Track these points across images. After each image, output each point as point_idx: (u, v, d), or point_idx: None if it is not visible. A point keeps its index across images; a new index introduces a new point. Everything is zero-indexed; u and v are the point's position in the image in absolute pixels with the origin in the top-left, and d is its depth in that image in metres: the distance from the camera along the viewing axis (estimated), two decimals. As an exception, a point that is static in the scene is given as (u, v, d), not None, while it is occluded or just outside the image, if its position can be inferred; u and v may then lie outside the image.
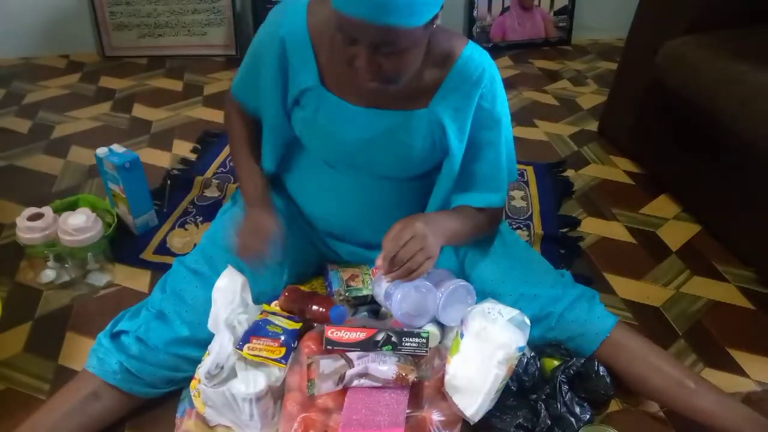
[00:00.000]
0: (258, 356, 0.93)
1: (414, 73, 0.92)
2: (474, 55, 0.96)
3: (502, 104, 1.01)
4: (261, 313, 1.03)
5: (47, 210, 1.28)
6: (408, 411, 0.90)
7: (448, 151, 1.01)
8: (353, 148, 1.03)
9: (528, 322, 0.96)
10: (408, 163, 1.04)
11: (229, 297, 0.99)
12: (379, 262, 0.93)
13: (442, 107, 0.98)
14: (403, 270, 0.92)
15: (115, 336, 0.99)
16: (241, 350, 0.93)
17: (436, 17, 0.83)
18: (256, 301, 1.05)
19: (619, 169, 1.81)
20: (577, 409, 0.97)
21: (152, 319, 0.99)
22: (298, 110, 1.04)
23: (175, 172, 1.71)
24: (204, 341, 0.98)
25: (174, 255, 1.37)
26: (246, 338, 0.95)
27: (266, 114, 1.08)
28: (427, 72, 0.95)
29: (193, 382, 0.96)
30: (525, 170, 1.77)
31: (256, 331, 0.97)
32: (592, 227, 1.55)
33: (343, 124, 1.01)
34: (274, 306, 1.06)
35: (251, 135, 1.14)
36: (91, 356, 0.97)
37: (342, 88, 0.99)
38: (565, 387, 0.98)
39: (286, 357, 0.95)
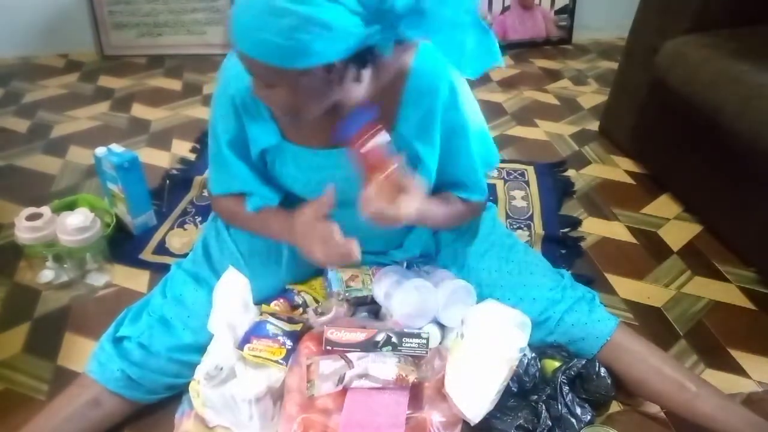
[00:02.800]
0: (258, 357, 0.93)
1: (368, 99, 0.88)
2: (425, 66, 0.90)
3: (466, 108, 0.96)
4: (261, 314, 1.02)
5: (46, 210, 1.27)
6: (408, 412, 0.90)
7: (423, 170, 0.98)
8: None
9: (529, 322, 0.96)
10: None
11: (230, 298, 0.99)
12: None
13: (407, 128, 0.94)
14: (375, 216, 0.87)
15: (117, 341, 0.98)
16: (242, 350, 0.93)
17: (330, 67, 0.77)
18: (256, 302, 1.04)
19: (620, 169, 1.80)
20: (578, 410, 0.97)
21: (154, 325, 0.99)
22: (268, 166, 1.02)
23: (174, 171, 1.71)
24: (206, 346, 0.97)
25: (173, 255, 1.37)
26: (246, 338, 0.95)
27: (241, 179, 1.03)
28: (381, 95, 0.91)
29: (192, 383, 0.96)
30: (526, 170, 1.77)
31: (257, 331, 0.97)
32: (592, 227, 1.54)
33: (312, 170, 0.99)
34: (274, 306, 1.06)
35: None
36: (92, 360, 0.97)
37: (303, 134, 0.96)
38: (565, 388, 0.98)
39: (286, 358, 0.95)
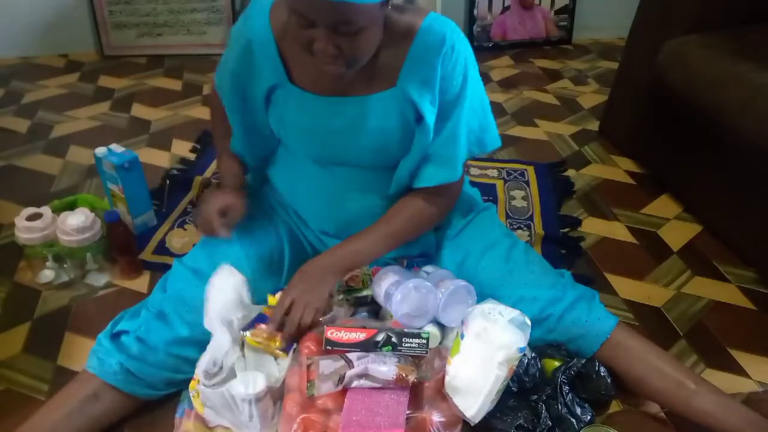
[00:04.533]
0: (260, 343, 0.93)
1: (376, 54, 0.92)
2: (434, 24, 0.94)
3: (466, 72, 0.97)
4: (266, 308, 1.02)
5: (46, 210, 1.27)
6: (408, 412, 0.90)
7: (423, 127, 0.99)
8: (328, 140, 1.02)
9: (529, 322, 0.96)
10: (387, 148, 1.02)
11: (223, 294, 0.98)
12: (269, 328, 0.97)
13: (409, 83, 0.96)
14: (291, 328, 0.96)
15: (115, 336, 0.99)
16: (245, 335, 0.92)
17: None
18: (257, 301, 1.04)
19: (620, 169, 1.80)
20: (578, 410, 0.97)
21: (152, 319, 0.99)
22: (270, 109, 1.05)
23: (174, 171, 1.71)
24: (204, 342, 0.97)
25: (173, 255, 1.37)
26: (251, 324, 0.95)
27: (228, 109, 1.08)
28: (389, 50, 0.94)
29: (192, 383, 0.96)
30: (526, 170, 1.77)
31: (262, 319, 0.97)
32: (592, 227, 1.54)
33: (313, 116, 1.01)
34: (278, 298, 1.05)
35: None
36: (91, 357, 0.97)
37: (308, 80, 0.99)
38: (565, 388, 0.98)
39: (288, 348, 0.94)
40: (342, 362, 0.92)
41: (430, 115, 0.97)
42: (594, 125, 2.03)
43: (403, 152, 1.03)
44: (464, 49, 0.96)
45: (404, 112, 0.98)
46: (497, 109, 2.14)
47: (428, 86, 0.96)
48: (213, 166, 1.73)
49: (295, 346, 0.98)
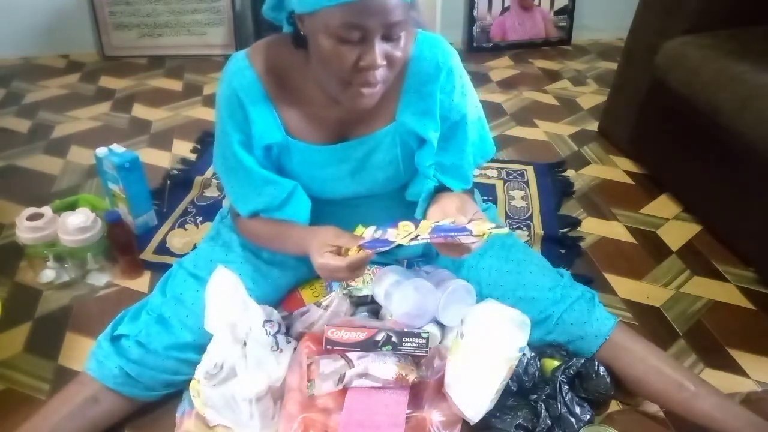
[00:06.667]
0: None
1: None
2: (424, 51, 0.92)
3: (463, 92, 0.97)
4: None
5: (47, 210, 1.28)
6: (408, 411, 0.90)
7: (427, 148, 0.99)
8: (336, 184, 1.02)
9: (528, 322, 0.96)
10: (396, 176, 1.02)
11: (222, 296, 0.98)
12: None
13: (408, 116, 0.95)
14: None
15: (115, 339, 0.99)
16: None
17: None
18: (260, 303, 1.04)
19: (619, 169, 1.81)
20: (578, 410, 0.97)
21: (153, 324, 0.99)
22: (270, 161, 1.00)
23: (175, 172, 1.71)
24: (204, 345, 0.97)
25: (174, 255, 1.38)
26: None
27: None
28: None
29: (192, 383, 0.96)
30: (525, 170, 1.77)
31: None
32: (592, 227, 1.55)
33: (317, 167, 0.99)
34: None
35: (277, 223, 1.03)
36: (91, 359, 0.97)
37: (306, 130, 0.96)
38: (565, 387, 0.98)
39: None
40: (342, 362, 0.93)
41: (433, 139, 0.97)
42: (593, 126, 2.04)
43: (411, 174, 1.03)
44: (458, 67, 0.95)
45: (407, 142, 0.98)
46: (497, 110, 2.14)
47: (429, 115, 0.95)
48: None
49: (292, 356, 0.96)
